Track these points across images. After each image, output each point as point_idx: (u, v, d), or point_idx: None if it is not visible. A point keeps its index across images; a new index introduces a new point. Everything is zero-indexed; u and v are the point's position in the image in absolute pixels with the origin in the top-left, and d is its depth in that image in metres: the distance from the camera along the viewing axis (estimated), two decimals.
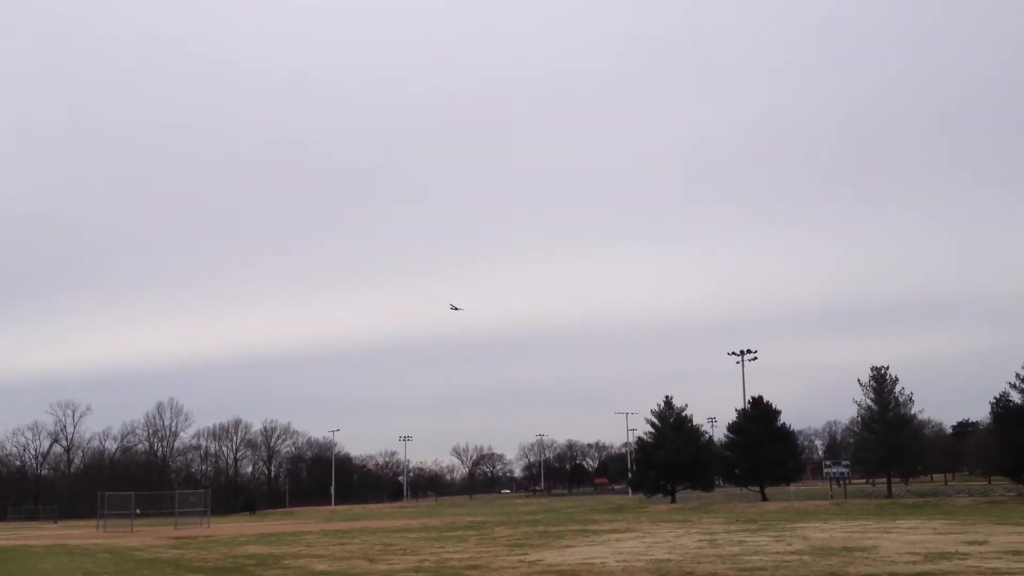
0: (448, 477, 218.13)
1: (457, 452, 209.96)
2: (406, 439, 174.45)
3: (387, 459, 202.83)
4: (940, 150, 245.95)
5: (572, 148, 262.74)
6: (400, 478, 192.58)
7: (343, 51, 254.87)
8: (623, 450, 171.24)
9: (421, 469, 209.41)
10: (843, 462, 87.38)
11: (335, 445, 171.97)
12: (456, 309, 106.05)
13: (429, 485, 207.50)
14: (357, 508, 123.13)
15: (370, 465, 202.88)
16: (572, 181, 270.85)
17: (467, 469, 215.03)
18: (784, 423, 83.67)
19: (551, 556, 25.64)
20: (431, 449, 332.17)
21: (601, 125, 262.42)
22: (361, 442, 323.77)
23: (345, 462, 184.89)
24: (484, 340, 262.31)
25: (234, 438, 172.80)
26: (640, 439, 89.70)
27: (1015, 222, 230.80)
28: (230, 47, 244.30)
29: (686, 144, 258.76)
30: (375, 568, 23.97)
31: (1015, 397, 68.55)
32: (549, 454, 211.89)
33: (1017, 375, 68.62)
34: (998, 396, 69.74)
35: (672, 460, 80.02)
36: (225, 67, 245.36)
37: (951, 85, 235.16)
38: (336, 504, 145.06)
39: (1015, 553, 22.31)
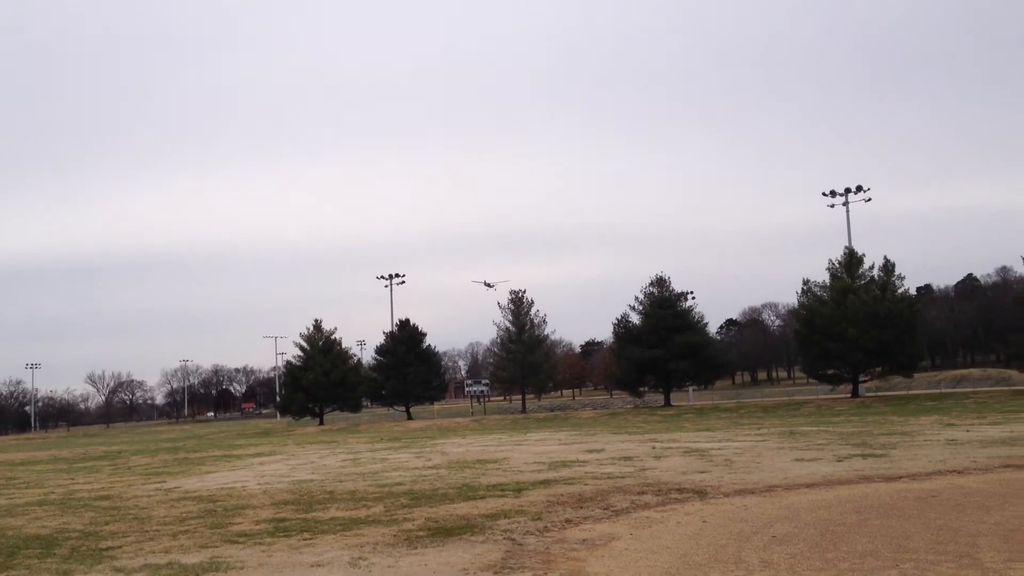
0: (83, 406, 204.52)
1: (92, 380, 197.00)
2: (34, 367, 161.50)
3: (12, 388, 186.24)
4: (577, 95, 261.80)
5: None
6: (27, 408, 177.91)
7: None
8: (271, 374, 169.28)
9: (51, 399, 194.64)
10: (483, 381, 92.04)
11: None
12: (490, 286, 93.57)
13: (61, 415, 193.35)
14: None
15: None
16: (230, 98, 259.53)
17: (104, 397, 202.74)
18: (429, 345, 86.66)
19: (190, 483, 24.96)
20: (63, 377, 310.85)
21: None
22: None
23: None
24: (120, 262, 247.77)
25: None
26: (289, 363, 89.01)
27: (641, 163, 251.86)
28: None
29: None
30: None
31: (634, 318, 75.58)
32: (194, 380, 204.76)
33: (636, 298, 75.67)
34: (619, 317, 76.52)
35: (320, 383, 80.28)
36: None
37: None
38: None
39: (626, 459, 24.78)
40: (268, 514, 16.54)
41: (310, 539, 13.24)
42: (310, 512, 16.50)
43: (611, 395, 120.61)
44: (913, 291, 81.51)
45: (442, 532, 13.23)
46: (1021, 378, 73.11)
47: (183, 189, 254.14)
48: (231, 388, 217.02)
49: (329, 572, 10.83)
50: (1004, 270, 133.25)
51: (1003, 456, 21.09)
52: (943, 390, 72.33)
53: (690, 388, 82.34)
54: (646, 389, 76.86)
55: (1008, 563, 9.62)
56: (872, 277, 65.67)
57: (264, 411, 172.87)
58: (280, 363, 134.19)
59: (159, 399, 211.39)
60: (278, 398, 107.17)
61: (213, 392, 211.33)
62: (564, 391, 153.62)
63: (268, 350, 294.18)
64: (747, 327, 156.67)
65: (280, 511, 16.91)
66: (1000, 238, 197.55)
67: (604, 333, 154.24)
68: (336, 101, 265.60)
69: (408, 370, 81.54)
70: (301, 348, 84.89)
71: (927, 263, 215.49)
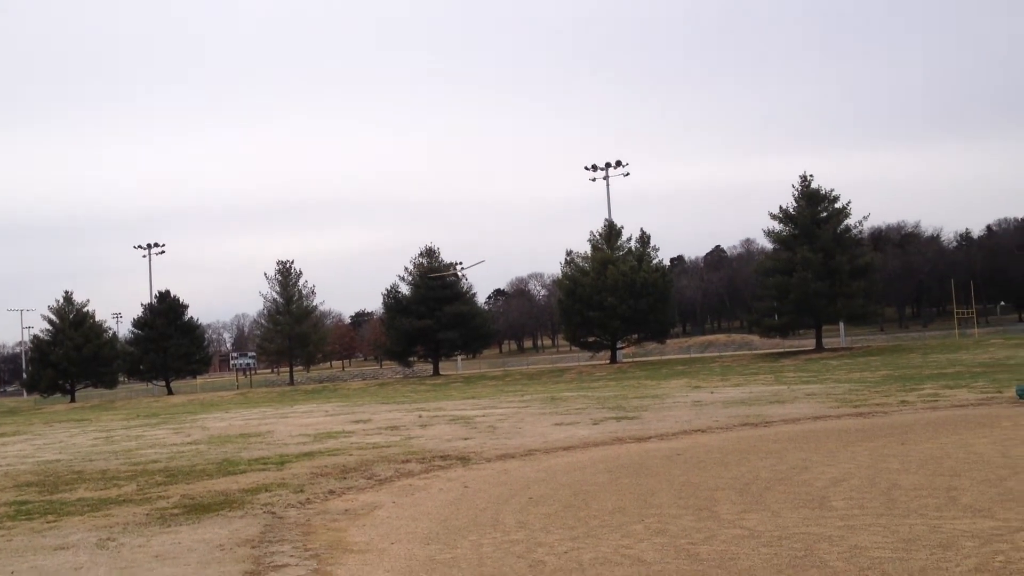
0: None
1: None
2: None
3: None
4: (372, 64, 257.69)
5: None
6: None
7: None
8: (17, 349, 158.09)
9: None
10: (250, 353, 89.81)
11: None
12: (457, 271, 74.19)
13: None
14: None
15: None
16: None
17: None
18: (192, 317, 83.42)
19: None
20: None
21: None
22: None
23: None
24: None
25: None
26: (36, 337, 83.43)
27: (408, 134, 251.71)
28: None
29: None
30: None
31: (404, 289, 75.83)
32: None
33: (406, 268, 75.97)
34: (389, 288, 76.57)
35: (72, 358, 75.75)
36: None
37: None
38: None
39: (392, 428, 24.93)
40: (8, 497, 15.49)
41: (54, 521, 12.53)
42: (55, 494, 15.59)
43: (381, 365, 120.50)
44: (667, 262, 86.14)
45: (198, 509, 12.85)
46: (762, 343, 78.91)
47: None
48: None
49: (74, 554, 10.30)
50: (748, 242, 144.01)
51: (742, 415, 22.77)
52: (692, 355, 77.09)
53: (459, 357, 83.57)
54: (415, 359, 77.41)
55: (742, 514, 10.41)
56: (630, 248, 68.86)
57: (9, 389, 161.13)
58: (27, 338, 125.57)
59: None
60: (25, 375, 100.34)
61: None
62: (334, 362, 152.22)
63: (13, 324, 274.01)
64: (514, 297, 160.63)
65: (22, 493, 15.88)
66: (744, 212, 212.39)
67: (374, 304, 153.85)
68: (95, 59, 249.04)
69: (168, 343, 78.26)
70: (50, 322, 79.90)
71: (680, 235, 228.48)
